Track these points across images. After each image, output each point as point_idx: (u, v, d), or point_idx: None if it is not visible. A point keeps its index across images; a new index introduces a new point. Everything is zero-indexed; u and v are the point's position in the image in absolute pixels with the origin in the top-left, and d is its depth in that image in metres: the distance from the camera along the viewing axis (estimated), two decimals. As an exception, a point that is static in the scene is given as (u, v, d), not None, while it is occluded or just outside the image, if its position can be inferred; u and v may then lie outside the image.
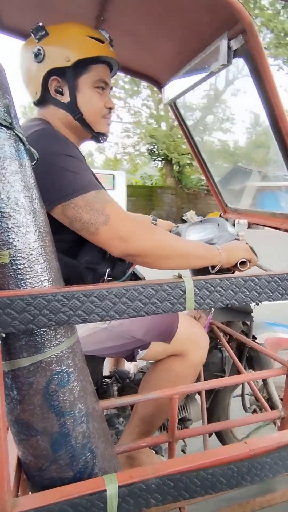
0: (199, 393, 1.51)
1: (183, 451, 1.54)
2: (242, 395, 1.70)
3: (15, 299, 0.69)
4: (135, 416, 1.31)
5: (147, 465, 1.23)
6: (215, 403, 1.68)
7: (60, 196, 0.96)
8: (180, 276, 0.85)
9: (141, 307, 0.79)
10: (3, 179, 0.72)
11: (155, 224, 1.65)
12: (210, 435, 1.63)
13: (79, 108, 1.13)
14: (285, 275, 0.91)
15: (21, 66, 1.15)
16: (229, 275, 0.88)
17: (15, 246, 0.73)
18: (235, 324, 1.63)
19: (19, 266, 0.74)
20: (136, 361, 1.25)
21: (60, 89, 1.12)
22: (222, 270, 1.19)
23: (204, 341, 1.31)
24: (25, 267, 0.74)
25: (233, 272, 1.26)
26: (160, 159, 18.42)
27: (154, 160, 18.69)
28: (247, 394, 1.73)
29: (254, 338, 1.64)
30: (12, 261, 0.73)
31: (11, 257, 0.73)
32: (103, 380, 1.53)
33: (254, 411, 1.73)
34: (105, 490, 0.80)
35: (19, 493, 0.87)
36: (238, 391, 1.75)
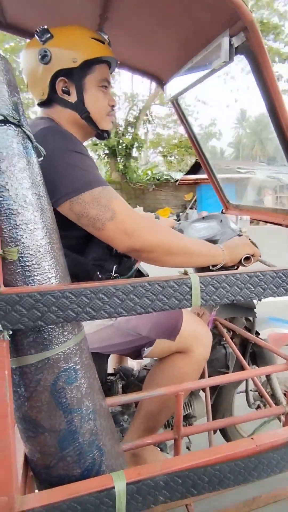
0: (203, 389, 1.51)
1: (188, 448, 1.54)
2: (246, 391, 1.71)
3: (23, 295, 0.69)
4: (140, 413, 1.31)
5: (153, 462, 1.23)
6: (219, 400, 1.68)
7: (67, 192, 0.97)
8: (186, 273, 0.85)
9: (148, 303, 0.79)
10: (12, 176, 0.72)
11: None
12: (215, 431, 1.63)
13: (86, 107, 1.15)
14: None
15: (26, 68, 1.16)
16: (234, 271, 0.88)
17: (23, 243, 0.73)
18: (238, 320, 1.63)
19: (27, 263, 0.74)
20: (142, 358, 1.26)
21: (67, 89, 1.14)
22: (226, 267, 1.19)
23: (208, 338, 1.31)
24: (33, 264, 0.74)
25: (237, 268, 1.26)
26: (105, 153, 17.14)
27: (97, 153, 17.20)
28: (251, 390, 1.73)
29: (257, 334, 1.65)
30: (20, 258, 0.73)
31: (19, 254, 0.73)
32: (107, 378, 1.53)
33: (258, 407, 1.74)
34: (113, 488, 0.80)
35: (25, 490, 0.87)
36: (241, 387, 1.75)
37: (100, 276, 1.15)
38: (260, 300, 1.27)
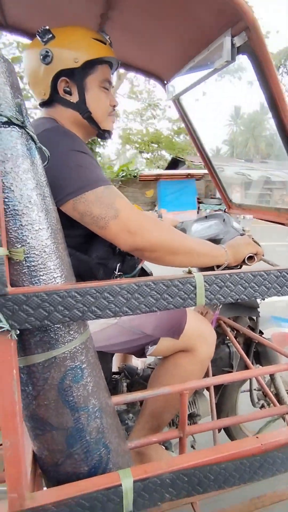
0: (207, 388, 1.52)
1: (192, 446, 1.55)
2: (250, 390, 1.71)
3: (30, 295, 0.70)
4: (144, 412, 1.32)
5: (158, 460, 1.24)
6: (223, 399, 1.68)
7: (71, 191, 0.98)
8: (190, 272, 0.86)
9: (153, 302, 0.80)
10: (16, 177, 0.73)
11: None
12: (219, 430, 1.64)
13: (88, 107, 1.16)
14: None
15: (27, 68, 1.17)
16: (239, 270, 0.88)
17: (28, 243, 0.74)
18: (242, 319, 1.63)
19: (33, 263, 0.75)
20: (146, 357, 1.26)
21: (69, 89, 1.14)
22: (229, 266, 1.20)
23: (212, 337, 1.32)
24: (38, 264, 0.75)
25: (240, 267, 1.26)
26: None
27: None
28: (255, 389, 1.74)
29: (261, 333, 1.65)
30: (26, 258, 0.74)
31: (25, 254, 0.73)
32: (112, 376, 1.54)
33: (262, 406, 1.74)
34: (121, 485, 0.80)
35: (34, 488, 0.88)
36: (245, 386, 1.76)
37: (103, 274, 1.16)
38: (264, 299, 1.28)
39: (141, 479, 0.82)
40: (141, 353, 1.26)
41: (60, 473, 0.85)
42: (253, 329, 1.63)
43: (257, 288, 0.89)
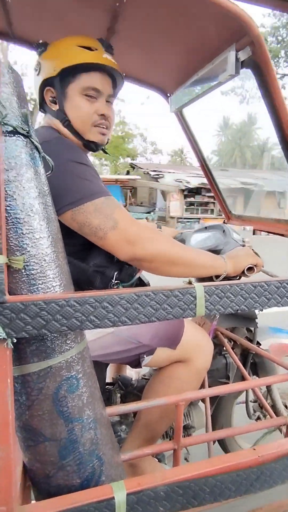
0: (203, 400, 1.51)
1: (186, 459, 1.53)
2: (246, 402, 1.70)
3: (28, 304, 0.69)
4: (138, 423, 1.30)
5: (151, 472, 1.22)
6: (219, 410, 1.67)
7: (70, 202, 0.98)
8: (190, 282, 0.86)
9: (152, 312, 0.79)
10: (19, 185, 0.73)
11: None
12: (214, 442, 1.62)
13: (67, 115, 1.15)
14: None
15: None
16: (239, 281, 0.88)
17: (29, 251, 0.74)
18: (240, 330, 1.63)
19: (32, 272, 0.74)
20: (141, 367, 1.25)
21: (54, 99, 1.16)
22: (228, 278, 1.19)
23: (209, 347, 1.31)
24: (38, 272, 0.75)
25: (239, 278, 1.26)
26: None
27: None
28: (251, 401, 1.72)
29: (258, 344, 1.64)
30: (26, 266, 0.74)
31: (25, 262, 0.73)
32: (106, 387, 1.53)
33: (258, 418, 1.73)
34: (113, 498, 0.79)
35: (23, 500, 0.86)
36: (241, 397, 1.74)
37: (100, 282, 1.15)
38: (262, 310, 1.27)
39: (135, 492, 0.81)
40: (136, 363, 1.25)
41: (52, 486, 0.83)
42: (250, 340, 1.63)
43: (257, 299, 0.89)
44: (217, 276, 1.17)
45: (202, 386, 1.42)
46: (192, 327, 1.29)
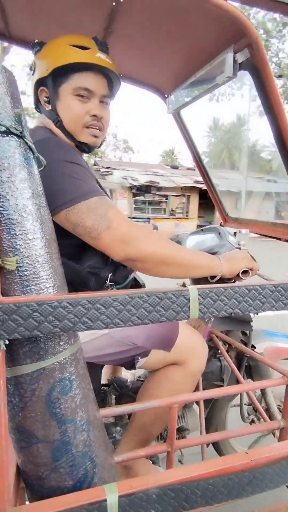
0: (197, 402, 1.50)
1: (180, 461, 1.53)
2: (241, 405, 1.70)
3: (21, 305, 0.69)
4: (133, 425, 1.30)
5: (145, 475, 1.22)
6: (213, 413, 1.67)
7: (63, 202, 0.97)
8: (184, 285, 0.86)
9: (146, 314, 0.79)
10: (13, 186, 0.73)
11: None
12: (207, 445, 1.62)
13: (58, 115, 1.14)
14: None
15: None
16: (233, 284, 0.88)
17: (22, 252, 0.73)
18: (235, 333, 1.63)
19: (25, 273, 0.74)
20: (135, 369, 1.25)
21: (48, 99, 1.15)
22: (222, 279, 1.19)
23: (204, 350, 1.30)
24: (31, 273, 0.75)
25: (234, 281, 1.26)
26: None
27: None
28: (245, 404, 1.72)
29: (253, 347, 1.64)
30: (19, 268, 0.73)
31: (18, 263, 0.73)
32: (101, 389, 1.52)
33: (252, 421, 1.73)
34: (105, 500, 0.79)
35: (16, 502, 0.86)
36: (236, 400, 1.74)
37: (95, 284, 1.15)
38: (257, 314, 1.27)
39: (127, 494, 0.81)
40: (131, 365, 1.25)
41: (44, 487, 0.83)
42: (245, 343, 1.62)
43: (252, 302, 0.89)
44: (212, 277, 1.17)
45: (197, 389, 1.42)
46: (187, 330, 1.29)
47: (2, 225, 0.72)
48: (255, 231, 1.58)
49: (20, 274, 0.74)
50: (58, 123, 1.15)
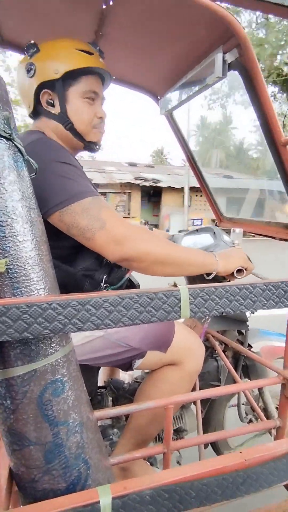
0: (195, 403, 1.50)
1: (178, 462, 1.52)
2: (238, 405, 1.69)
3: (10, 307, 0.69)
4: (129, 426, 1.30)
5: (141, 476, 1.22)
6: (211, 413, 1.67)
7: (57, 203, 0.97)
8: (175, 285, 0.86)
9: (137, 315, 0.79)
10: (2, 188, 0.73)
11: None
12: (206, 446, 1.62)
13: (69, 118, 1.16)
14: (280, 283, 0.92)
15: (17, 83, 1.20)
16: (224, 284, 0.88)
17: (11, 254, 0.73)
18: (231, 333, 1.63)
19: (15, 275, 0.74)
20: (132, 370, 1.25)
21: (51, 101, 1.15)
22: (217, 278, 1.19)
23: (200, 350, 1.30)
24: (21, 275, 0.75)
25: (228, 280, 1.26)
26: None
27: None
28: (243, 404, 1.72)
29: (249, 346, 1.64)
30: (9, 270, 0.73)
31: (7, 265, 0.73)
32: (98, 391, 1.52)
33: (250, 421, 1.72)
34: (99, 502, 0.78)
35: (10, 506, 0.86)
36: (234, 400, 1.74)
37: (89, 286, 1.15)
38: (253, 313, 1.26)
39: (120, 496, 0.80)
40: (127, 367, 1.25)
41: (37, 490, 0.83)
42: (242, 343, 1.62)
43: (243, 301, 0.89)
44: (208, 274, 1.17)
45: (194, 389, 1.42)
46: (183, 330, 1.29)
47: None
48: (249, 231, 1.58)
49: (10, 276, 0.74)
50: (69, 125, 1.17)
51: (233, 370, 1.51)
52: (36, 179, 0.86)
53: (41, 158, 0.96)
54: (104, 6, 1.11)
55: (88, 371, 1.23)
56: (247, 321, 1.58)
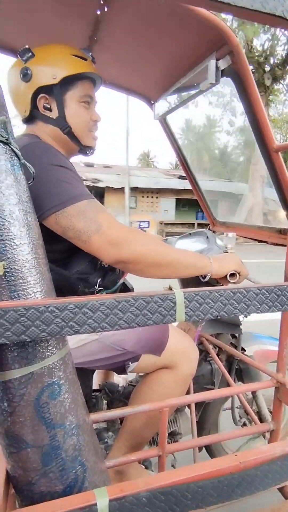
0: (189, 406, 1.51)
1: (173, 465, 1.53)
2: (232, 408, 1.70)
3: (8, 310, 0.69)
4: (124, 429, 1.30)
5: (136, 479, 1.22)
6: (205, 416, 1.67)
7: (53, 206, 0.98)
8: (170, 288, 0.86)
9: (133, 318, 0.80)
10: None
11: None
12: (200, 449, 1.62)
13: (68, 122, 1.18)
14: (273, 288, 0.93)
15: (9, 87, 1.20)
16: (219, 288, 0.89)
17: (8, 258, 0.74)
18: (224, 336, 1.64)
19: (12, 278, 0.74)
20: (126, 373, 1.25)
21: (48, 106, 1.16)
22: (211, 282, 1.20)
23: (194, 354, 1.31)
24: (18, 278, 0.75)
25: (222, 285, 1.27)
26: None
27: None
28: (237, 407, 1.73)
29: (243, 350, 1.65)
30: (6, 273, 0.74)
31: (4, 269, 0.73)
32: (92, 394, 1.52)
33: (244, 424, 1.73)
34: (95, 504, 0.79)
35: (7, 508, 0.86)
36: (228, 404, 1.75)
37: (84, 289, 1.15)
38: (246, 317, 1.28)
39: (117, 498, 0.81)
40: (122, 370, 1.25)
41: (34, 493, 0.83)
42: (235, 346, 1.64)
43: (237, 305, 0.90)
44: (204, 276, 1.18)
45: (188, 393, 1.43)
46: (178, 333, 1.30)
47: None
48: (242, 235, 1.60)
49: (7, 279, 0.74)
50: (67, 129, 1.18)
51: (227, 374, 1.52)
52: (33, 182, 0.87)
53: (37, 161, 0.96)
54: (98, 12, 1.12)
55: (83, 374, 1.24)
56: (240, 324, 1.59)
